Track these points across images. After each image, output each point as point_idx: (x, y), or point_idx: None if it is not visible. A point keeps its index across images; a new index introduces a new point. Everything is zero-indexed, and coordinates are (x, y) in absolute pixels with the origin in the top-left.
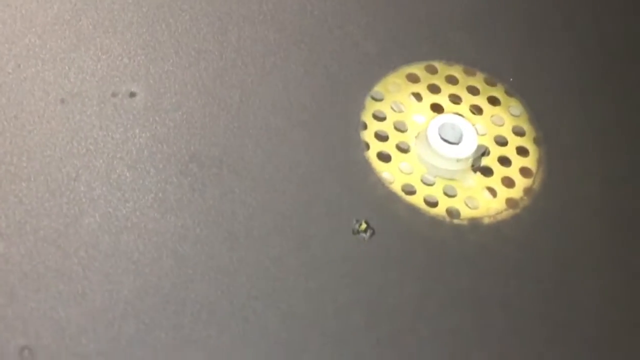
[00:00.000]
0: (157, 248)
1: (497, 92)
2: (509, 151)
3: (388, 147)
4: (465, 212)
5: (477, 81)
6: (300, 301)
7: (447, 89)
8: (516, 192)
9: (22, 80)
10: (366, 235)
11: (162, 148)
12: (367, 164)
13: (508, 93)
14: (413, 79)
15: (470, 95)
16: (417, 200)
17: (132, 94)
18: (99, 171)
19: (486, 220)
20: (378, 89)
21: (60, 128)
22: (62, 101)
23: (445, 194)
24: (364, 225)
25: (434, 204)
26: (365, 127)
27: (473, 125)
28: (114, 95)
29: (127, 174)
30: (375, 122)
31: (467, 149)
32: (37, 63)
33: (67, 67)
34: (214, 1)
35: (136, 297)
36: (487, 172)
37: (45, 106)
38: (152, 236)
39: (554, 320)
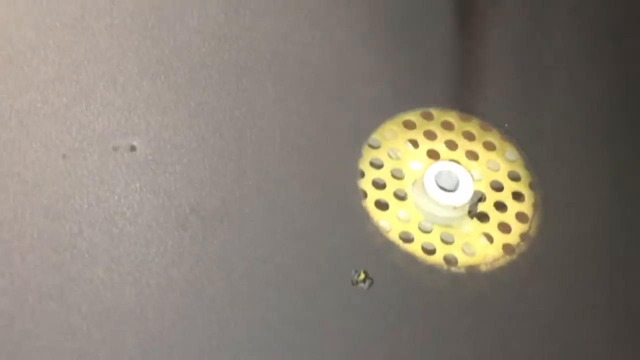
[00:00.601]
0: (159, 303)
1: (493, 137)
2: (505, 196)
3: (385, 195)
4: (463, 259)
5: (473, 126)
6: (300, 354)
7: (443, 135)
8: (512, 238)
9: (25, 137)
10: (365, 286)
11: (163, 201)
12: (364, 213)
13: (503, 138)
14: (409, 125)
15: (466, 141)
16: (414, 248)
17: (133, 148)
18: (101, 226)
19: (483, 268)
20: (375, 136)
21: (62, 184)
22: (64, 156)
23: (443, 240)
24: (362, 276)
25: (431, 252)
26: (362, 175)
27: (469, 171)
28: (114, 149)
29: (129, 229)
30: (372, 169)
31: (463, 196)
32: (39, 119)
33: (68, 122)
34: (212, 53)
35: (140, 353)
36: (483, 217)
37: (47, 162)
38: (154, 291)
39: None
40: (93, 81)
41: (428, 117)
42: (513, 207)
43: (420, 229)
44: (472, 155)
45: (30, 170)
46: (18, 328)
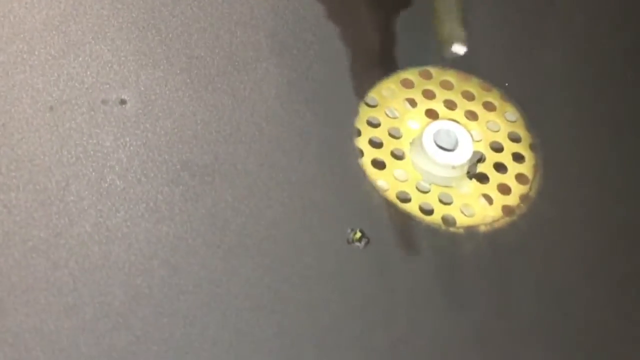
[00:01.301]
0: (148, 258)
1: (493, 98)
2: (505, 157)
3: (382, 154)
4: (461, 220)
5: (472, 86)
6: (294, 312)
7: (442, 95)
8: (512, 199)
9: (10, 88)
10: (361, 245)
11: (153, 156)
12: (361, 172)
13: (504, 98)
14: (407, 84)
15: (465, 101)
16: (412, 208)
17: (123, 101)
18: (89, 180)
19: (482, 229)
20: (372, 94)
21: (49, 136)
22: (51, 109)
23: (441, 201)
24: (358, 234)
25: (429, 212)
26: (359, 133)
27: (468, 131)
28: (104, 102)
29: (118, 183)
30: (369, 128)
31: (462, 156)
32: (26, 70)
33: (56, 74)
34: (205, 6)
35: (127, 308)
36: (483, 178)
37: (34, 114)
38: (144, 246)
39: (550, 327)
40: (82, 33)
41: (427, 76)
42: (513, 168)
43: (418, 189)
44: (472, 116)
45: (17, 122)
46: (3, 282)
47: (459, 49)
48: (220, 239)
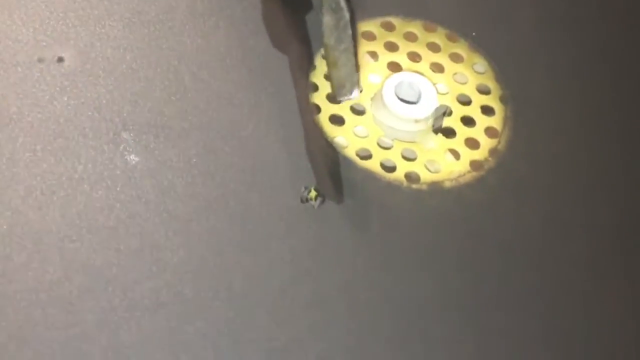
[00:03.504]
0: (86, 223)
1: (460, 49)
2: (473, 111)
3: (341, 110)
4: (426, 176)
5: (438, 37)
6: (243, 276)
7: (406, 47)
8: (481, 154)
9: None
10: (316, 203)
11: (93, 115)
12: (318, 128)
13: (472, 49)
14: (368, 36)
15: (430, 53)
16: (373, 165)
17: (60, 59)
18: (23, 142)
19: (447, 184)
20: None
21: None
22: None
23: (404, 157)
24: (313, 193)
25: (391, 169)
26: (316, 88)
27: (433, 83)
28: (40, 61)
29: (54, 144)
30: (326, 83)
31: (426, 109)
32: None
33: None
34: None
35: (63, 276)
36: (449, 133)
37: None
38: (81, 212)
39: (515, 284)
40: None
41: (389, 27)
42: (482, 121)
43: (379, 145)
44: (437, 68)
45: None
46: None
47: (355, 94)
48: (164, 202)
